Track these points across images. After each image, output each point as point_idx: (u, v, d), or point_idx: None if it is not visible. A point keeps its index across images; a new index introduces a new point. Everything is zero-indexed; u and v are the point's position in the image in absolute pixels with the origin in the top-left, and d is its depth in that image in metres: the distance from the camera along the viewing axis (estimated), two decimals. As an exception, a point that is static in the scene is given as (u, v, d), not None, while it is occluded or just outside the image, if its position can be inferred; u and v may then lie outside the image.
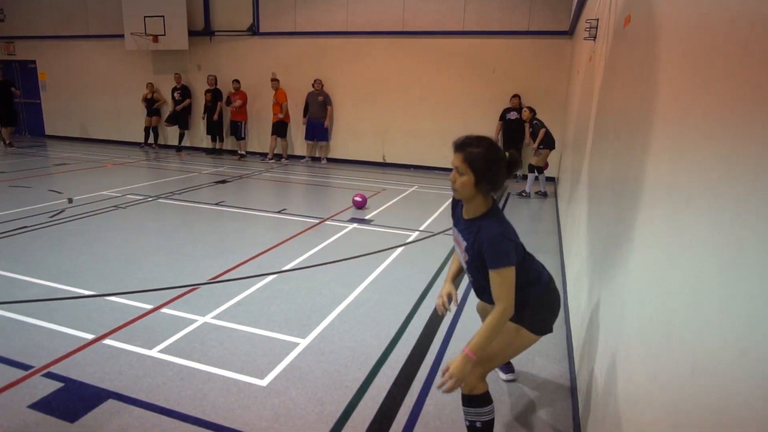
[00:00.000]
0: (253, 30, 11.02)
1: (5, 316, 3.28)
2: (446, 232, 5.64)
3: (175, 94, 11.52)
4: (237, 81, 10.91)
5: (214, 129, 11.42)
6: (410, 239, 5.33)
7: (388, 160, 10.71)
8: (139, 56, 12.20)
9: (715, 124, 1.05)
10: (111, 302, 3.56)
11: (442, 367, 1.95)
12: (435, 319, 3.44)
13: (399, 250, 4.96)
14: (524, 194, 7.95)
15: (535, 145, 7.77)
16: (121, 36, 11.78)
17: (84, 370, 2.70)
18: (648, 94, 1.72)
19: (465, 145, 1.94)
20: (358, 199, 6.54)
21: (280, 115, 10.68)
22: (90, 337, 3.05)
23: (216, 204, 6.71)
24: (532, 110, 8.03)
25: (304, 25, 10.62)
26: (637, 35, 2.12)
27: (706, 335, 0.98)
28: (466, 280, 4.08)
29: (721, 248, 0.95)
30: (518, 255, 1.96)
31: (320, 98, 10.50)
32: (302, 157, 11.16)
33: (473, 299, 3.17)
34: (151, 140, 12.26)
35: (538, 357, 3.02)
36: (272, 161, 10.93)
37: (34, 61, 13.58)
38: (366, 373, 2.77)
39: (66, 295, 3.64)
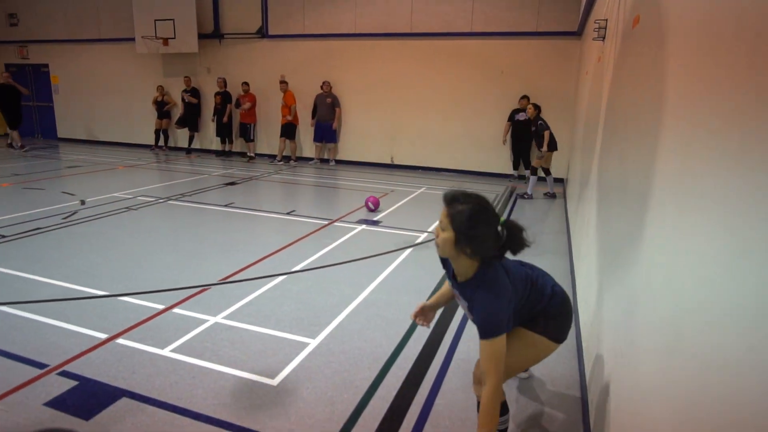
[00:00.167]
0: (262, 33, 11.10)
1: (21, 316, 3.34)
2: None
3: (185, 96, 11.60)
4: (246, 83, 10.99)
5: (223, 131, 11.51)
6: (419, 240, 5.34)
7: (397, 162, 10.72)
8: (149, 59, 12.33)
9: (725, 122, 1.06)
10: (124, 302, 3.61)
11: None
12: (444, 319, 3.45)
13: (408, 251, 4.98)
14: (527, 196, 7.94)
15: (545, 149, 7.75)
16: (132, 39, 11.92)
17: (98, 369, 2.74)
18: (657, 94, 1.72)
19: (453, 200, 1.79)
20: (371, 205, 6.50)
21: (289, 117, 10.74)
22: (103, 336, 3.09)
23: (226, 205, 6.76)
24: (537, 108, 7.98)
25: (313, 27, 10.68)
26: (646, 35, 2.12)
27: (715, 333, 0.98)
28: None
29: (731, 246, 0.96)
30: (520, 299, 1.94)
31: (329, 100, 10.54)
32: (311, 159, 11.21)
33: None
34: (161, 143, 12.38)
35: (547, 358, 3.01)
36: (281, 163, 11.00)
37: (47, 65, 13.77)
38: (376, 372, 2.79)
39: (80, 295, 3.69)
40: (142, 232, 5.42)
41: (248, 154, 11.37)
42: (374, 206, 6.49)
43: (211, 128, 11.84)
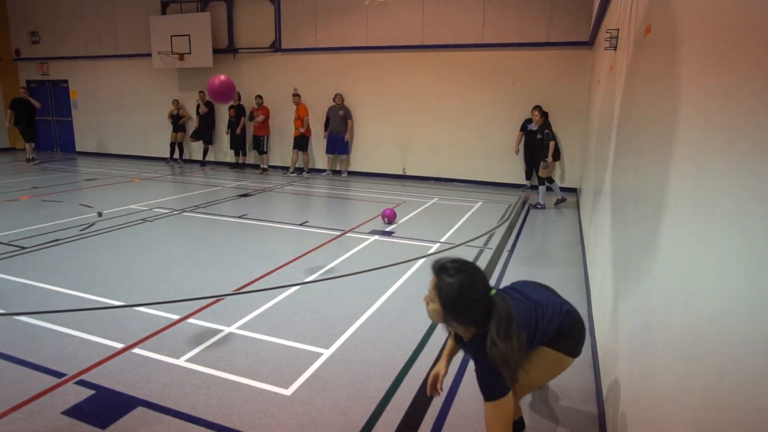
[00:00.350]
0: (275, 47, 11.27)
1: (40, 326, 3.39)
2: (467, 244, 5.63)
3: (200, 104, 11.77)
4: (260, 96, 11.14)
5: (237, 144, 11.66)
6: (431, 251, 5.33)
7: (409, 173, 10.75)
8: (165, 74, 12.58)
9: (739, 130, 1.06)
10: (139, 312, 3.65)
11: None
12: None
13: (420, 261, 4.97)
14: (539, 206, 7.89)
15: (550, 159, 7.72)
16: (149, 55, 12.18)
17: (114, 378, 2.77)
18: (671, 102, 1.72)
19: (441, 271, 1.74)
20: (387, 219, 6.48)
21: (302, 130, 10.86)
22: (120, 346, 3.13)
23: (239, 217, 6.83)
24: (543, 114, 7.95)
25: (325, 41, 10.82)
26: (658, 43, 2.12)
27: (733, 339, 0.97)
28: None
29: (748, 254, 0.95)
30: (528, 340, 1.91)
31: (341, 112, 10.64)
32: (323, 171, 11.29)
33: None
34: (176, 155, 12.57)
35: (563, 368, 2.98)
36: (294, 175, 11.09)
37: (66, 81, 14.11)
38: (389, 383, 2.78)
39: (97, 306, 3.74)
40: (158, 244, 5.49)
41: (261, 166, 11.49)
42: (390, 219, 6.48)
43: (226, 141, 12.00)
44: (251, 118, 11.32)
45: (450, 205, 8.04)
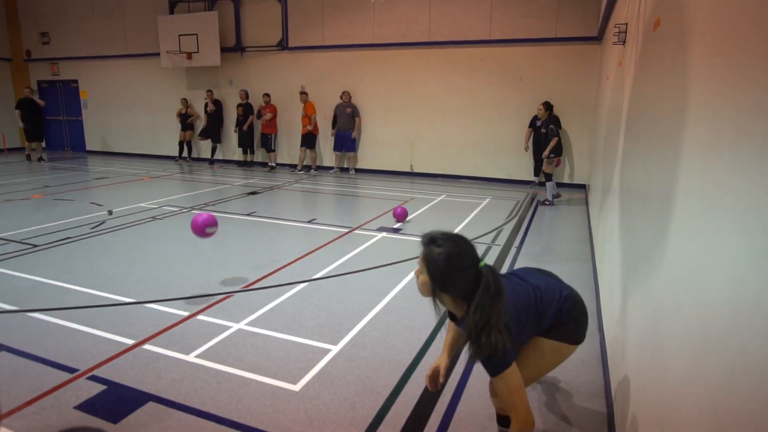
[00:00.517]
0: (283, 45, 11.30)
1: (53, 322, 3.44)
2: (475, 241, 5.61)
3: (208, 102, 11.83)
4: (267, 95, 11.18)
5: (245, 142, 11.71)
6: (439, 247, 5.32)
7: (416, 170, 10.75)
8: (173, 73, 12.65)
9: (748, 122, 1.05)
10: (150, 309, 3.69)
11: None
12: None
13: (428, 258, 4.96)
14: (547, 202, 7.85)
15: (546, 153, 7.68)
16: (157, 54, 12.26)
17: (125, 374, 2.81)
18: (680, 96, 1.71)
19: (430, 242, 1.74)
20: (398, 217, 6.48)
21: (309, 127, 10.88)
22: (130, 342, 3.16)
23: (248, 214, 6.87)
24: (548, 108, 7.88)
25: (332, 38, 10.83)
26: (667, 38, 2.11)
27: (743, 335, 0.97)
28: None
29: (757, 248, 0.94)
30: (526, 321, 1.89)
31: (348, 110, 10.65)
32: (331, 168, 11.31)
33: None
34: (185, 154, 12.65)
35: (572, 364, 2.98)
36: (302, 172, 11.12)
37: (76, 81, 14.24)
38: (397, 378, 2.79)
39: (108, 302, 3.79)
40: (167, 241, 5.53)
41: (269, 164, 11.53)
42: (401, 218, 6.47)
43: (234, 139, 12.06)
44: (259, 116, 11.36)
45: (458, 201, 8.02)
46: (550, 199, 7.87)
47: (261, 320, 3.51)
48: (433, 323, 3.47)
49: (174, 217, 6.66)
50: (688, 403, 1.25)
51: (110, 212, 6.74)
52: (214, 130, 12.08)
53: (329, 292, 4.05)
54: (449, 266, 1.69)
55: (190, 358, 2.99)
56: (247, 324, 3.44)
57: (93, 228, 5.96)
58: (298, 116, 11.09)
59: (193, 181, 9.95)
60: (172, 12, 12.12)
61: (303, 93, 10.81)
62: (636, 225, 2.43)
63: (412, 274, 4.46)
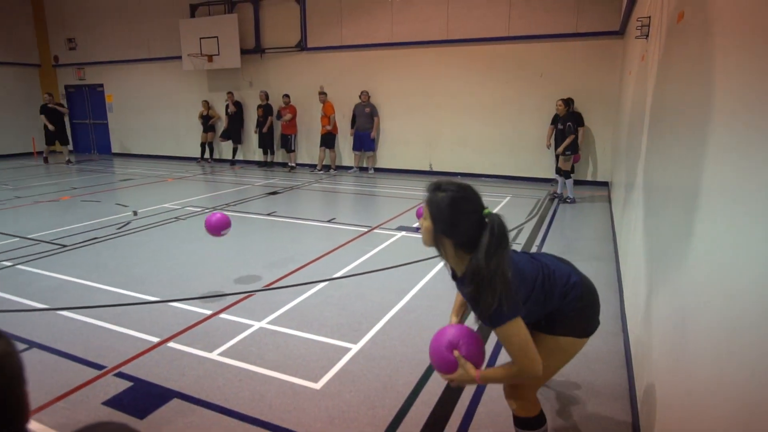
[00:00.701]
0: (301, 46, 11.38)
1: (81, 320, 3.54)
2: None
3: (229, 103, 11.99)
4: (287, 95, 11.28)
5: (265, 143, 11.83)
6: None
7: (435, 169, 10.71)
8: (195, 76, 12.86)
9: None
10: (174, 307, 3.76)
11: (446, 376, 1.81)
12: (485, 329, 3.41)
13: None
14: (569, 200, 7.75)
15: (560, 150, 7.59)
16: (179, 57, 12.48)
17: (151, 371, 2.87)
18: (705, 90, 1.67)
19: (435, 189, 1.70)
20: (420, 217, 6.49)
21: (328, 127, 10.94)
22: (155, 340, 3.23)
23: (268, 214, 6.94)
24: (567, 103, 7.77)
25: (350, 38, 10.86)
26: (691, 30, 2.06)
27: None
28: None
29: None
30: (529, 288, 1.77)
31: (367, 110, 10.67)
32: (350, 168, 11.35)
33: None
34: (207, 155, 12.85)
35: (595, 365, 2.94)
36: (321, 172, 11.19)
37: (101, 85, 14.59)
38: (417, 378, 2.79)
39: (133, 301, 3.87)
40: (190, 241, 5.63)
41: (289, 164, 11.63)
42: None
43: (254, 140, 12.20)
44: (279, 117, 11.46)
45: (477, 200, 7.96)
46: (571, 196, 7.77)
47: (282, 319, 3.54)
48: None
49: (197, 217, 6.77)
50: (714, 405, 1.23)
51: (135, 213, 6.89)
52: (235, 132, 12.24)
53: (349, 291, 4.07)
54: (452, 208, 1.64)
55: (213, 355, 3.04)
56: (269, 323, 3.48)
57: (119, 228, 6.10)
58: (318, 116, 11.16)
59: (214, 182, 10.10)
60: (193, 15, 12.32)
61: (322, 93, 10.87)
62: (660, 222, 2.38)
63: (431, 274, 4.45)
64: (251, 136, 12.32)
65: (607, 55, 8.92)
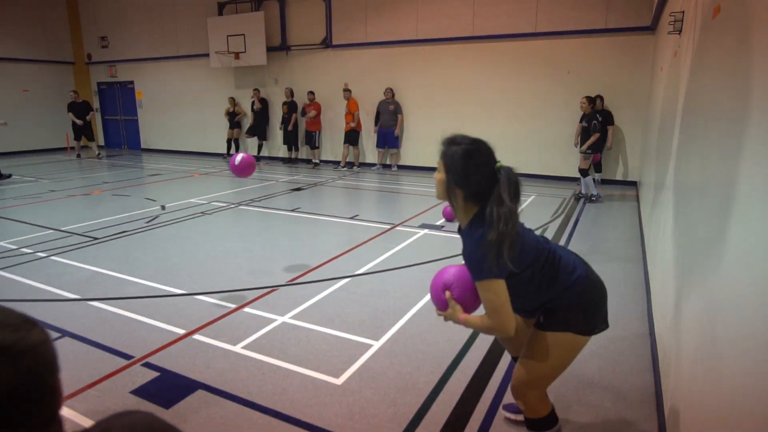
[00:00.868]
0: (326, 43, 11.43)
1: (111, 311, 3.64)
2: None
3: (255, 100, 12.14)
4: (312, 92, 11.35)
5: (290, 139, 11.94)
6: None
7: (459, 166, 10.62)
8: (222, 73, 13.05)
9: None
10: (199, 300, 3.84)
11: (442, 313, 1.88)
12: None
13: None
14: (594, 198, 7.60)
15: (584, 148, 7.43)
16: (207, 55, 12.68)
17: (177, 362, 2.93)
18: (742, 88, 1.61)
19: (449, 143, 1.79)
20: (448, 216, 6.41)
21: (352, 124, 10.97)
22: (182, 332, 3.30)
23: (292, 210, 7.01)
24: (591, 101, 7.60)
25: (375, 35, 10.86)
26: (728, 26, 1.99)
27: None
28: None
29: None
30: (526, 261, 1.75)
31: (391, 107, 10.67)
32: (373, 165, 11.37)
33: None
34: (233, 151, 13.04)
35: (620, 368, 2.88)
36: (345, 169, 11.24)
37: (132, 82, 14.94)
38: (439, 376, 2.79)
39: (161, 294, 3.97)
40: (216, 236, 5.73)
41: (313, 160, 11.72)
42: (450, 217, 6.41)
43: (279, 137, 12.33)
44: (303, 113, 11.55)
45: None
46: (594, 193, 7.63)
47: (305, 314, 3.58)
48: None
49: (222, 212, 6.88)
50: (746, 412, 1.19)
51: (163, 207, 7.04)
52: (260, 128, 12.38)
53: (371, 287, 4.08)
54: (465, 160, 1.71)
55: (237, 348, 3.09)
56: (291, 317, 3.52)
57: (147, 222, 6.25)
58: (342, 113, 11.20)
59: (240, 178, 10.24)
60: (220, 13, 12.50)
61: (346, 90, 10.91)
62: (692, 223, 2.32)
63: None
64: (276, 133, 12.45)
65: (637, 51, 8.70)
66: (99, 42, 15.00)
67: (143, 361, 2.94)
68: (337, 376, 2.79)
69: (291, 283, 4.18)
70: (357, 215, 6.73)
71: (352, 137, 11.12)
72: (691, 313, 2.03)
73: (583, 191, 7.78)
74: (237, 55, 12.09)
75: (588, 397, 2.62)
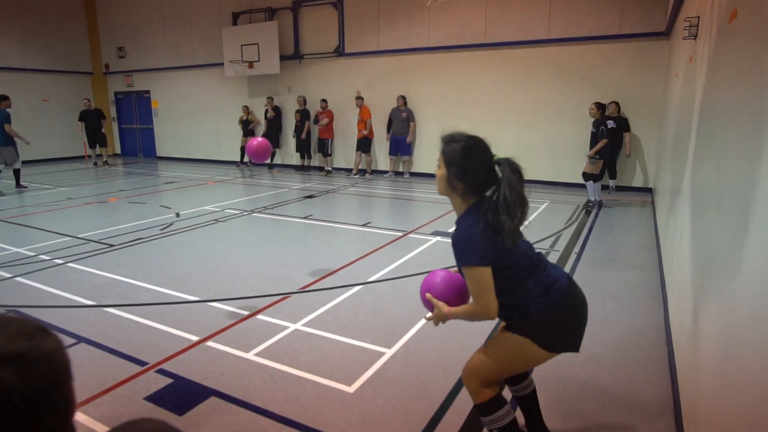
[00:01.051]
0: (339, 51, 11.52)
1: (126, 317, 3.68)
2: (534, 245, 5.46)
3: (268, 107, 12.26)
4: (324, 100, 11.43)
5: (302, 147, 12.03)
6: (495, 252, 5.22)
7: (471, 173, 10.59)
8: (236, 82, 13.21)
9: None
10: (213, 307, 3.86)
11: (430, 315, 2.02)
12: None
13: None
14: (590, 204, 7.63)
15: (591, 153, 7.39)
16: (221, 64, 12.85)
17: (190, 369, 2.95)
18: (761, 92, 1.58)
19: (449, 140, 1.90)
20: None
21: (365, 132, 11.02)
22: (195, 338, 3.32)
23: (305, 217, 7.04)
24: (600, 107, 7.56)
25: (387, 43, 10.92)
26: (745, 30, 1.96)
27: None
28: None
29: None
30: (504, 256, 1.81)
31: (404, 114, 10.69)
32: (386, 172, 11.39)
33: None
34: (246, 159, 13.16)
35: (637, 377, 2.83)
36: (357, 176, 11.27)
37: (148, 91, 15.19)
38: (452, 384, 2.76)
39: (175, 300, 4.00)
40: (229, 243, 5.77)
41: (326, 168, 11.78)
42: None
43: (292, 144, 12.41)
44: (316, 121, 11.63)
45: (514, 206, 7.83)
46: (593, 199, 7.62)
47: (317, 321, 3.58)
48: (488, 329, 3.41)
49: (235, 219, 6.94)
50: (770, 425, 1.16)
51: (177, 215, 7.12)
52: (273, 136, 12.48)
53: (384, 295, 4.07)
54: (464, 155, 1.84)
55: (250, 356, 3.09)
56: (304, 325, 3.52)
57: (162, 229, 6.32)
58: (354, 121, 11.26)
59: (253, 185, 10.33)
60: (235, 23, 12.67)
61: (359, 98, 10.96)
62: (709, 230, 2.28)
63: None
64: (289, 141, 12.54)
65: (651, 57, 8.63)
66: (116, 52, 15.29)
67: (157, 368, 2.96)
68: (349, 383, 2.78)
69: (303, 291, 4.19)
70: (369, 222, 6.74)
71: (364, 145, 11.15)
72: (710, 322, 1.99)
73: (598, 197, 7.73)
74: (251, 64, 12.23)
75: (604, 407, 2.57)
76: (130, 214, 7.31)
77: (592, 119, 7.64)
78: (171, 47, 14.15)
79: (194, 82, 14.10)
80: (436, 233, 6.04)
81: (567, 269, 4.70)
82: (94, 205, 8.02)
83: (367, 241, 5.80)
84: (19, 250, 5.43)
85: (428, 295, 1.99)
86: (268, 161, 12.84)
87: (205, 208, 7.68)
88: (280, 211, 7.46)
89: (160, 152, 15.42)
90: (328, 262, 4.94)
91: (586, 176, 7.59)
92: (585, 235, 5.99)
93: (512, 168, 1.84)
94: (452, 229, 1.93)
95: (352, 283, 4.32)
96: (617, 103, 8.76)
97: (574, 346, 1.90)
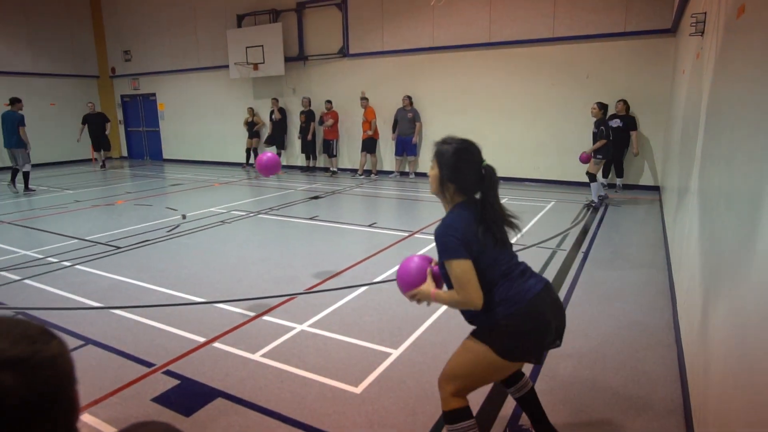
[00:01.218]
0: (343, 52, 11.53)
1: (133, 319, 3.69)
2: (539, 245, 5.44)
3: (274, 109, 12.31)
4: (329, 101, 11.44)
5: (307, 148, 12.04)
6: (501, 252, 5.20)
7: (477, 173, 10.56)
8: (241, 84, 13.26)
9: None
10: (219, 309, 3.87)
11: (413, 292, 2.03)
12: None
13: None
14: (593, 204, 7.56)
15: (590, 151, 7.36)
16: (226, 66, 12.90)
17: (197, 370, 2.95)
18: (769, 89, 1.56)
19: (442, 143, 2.00)
20: None
21: (369, 132, 11.02)
22: (201, 340, 3.33)
23: (310, 218, 7.04)
24: (602, 107, 7.52)
25: (391, 44, 10.91)
26: (753, 26, 1.94)
27: None
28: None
29: None
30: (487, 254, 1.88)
31: (409, 115, 10.68)
32: (391, 173, 11.38)
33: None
34: (251, 160, 13.19)
35: (646, 377, 2.80)
36: (362, 177, 11.27)
37: (154, 94, 15.27)
38: (458, 385, 2.74)
39: (181, 302, 4.01)
40: (235, 244, 5.79)
41: (331, 169, 11.78)
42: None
43: (297, 145, 12.44)
44: (321, 122, 11.65)
45: (521, 205, 7.81)
46: (595, 200, 7.57)
47: (323, 322, 3.57)
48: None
49: (241, 221, 6.95)
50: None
51: (184, 216, 7.15)
52: (278, 137, 12.52)
53: (390, 295, 4.06)
54: (456, 157, 1.94)
55: (256, 357, 3.10)
56: (310, 326, 3.52)
57: (169, 231, 6.34)
58: (359, 121, 11.26)
59: (259, 187, 10.35)
60: (239, 26, 12.72)
61: (364, 99, 10.97)
62: (718, 228, 2.25)
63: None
64: (294, 142, 12.57)
65: (657, 54, 8.57)
66: (122, 56, 15.39)
67: (164, 369, 2.97)
68: (355, 384, 2.77)
69: (309, 291, 4.19)
70: (375, 223, 6.73)
71: (369, 145, 11.15)
72: (720, 322, 1.97)
73: (603, 194, 7.71)
74: (256, 66, 12.26)
75: (613, 407, 2.55)
76: (137, 216, 7.35)
77: (594, 119, 7.61)
78: (177, 50, 14.22)
79: (200, 84, 14.16)
80: (441, 233, 6.02)
81: (574, 268, 4.67)
82: (101, 208, 8.07)
83: (372, 241, 5.80)
84: (28, 252, 5.47)
85: (430, 268, 2.03)
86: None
87: (212, 209, 7.70)
88: (286, 212, 7.47)
89: (166, 155, 15.49)
90: (334, 262, 4.94)
91: (591, 176, 7.55)
92: (592, 234, 5.96)
93: (491, 176, 2.00)
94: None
95: (359, 284, 4.32)
96: (625, 101, 8.70)
97: (531, 356, 1.91)
